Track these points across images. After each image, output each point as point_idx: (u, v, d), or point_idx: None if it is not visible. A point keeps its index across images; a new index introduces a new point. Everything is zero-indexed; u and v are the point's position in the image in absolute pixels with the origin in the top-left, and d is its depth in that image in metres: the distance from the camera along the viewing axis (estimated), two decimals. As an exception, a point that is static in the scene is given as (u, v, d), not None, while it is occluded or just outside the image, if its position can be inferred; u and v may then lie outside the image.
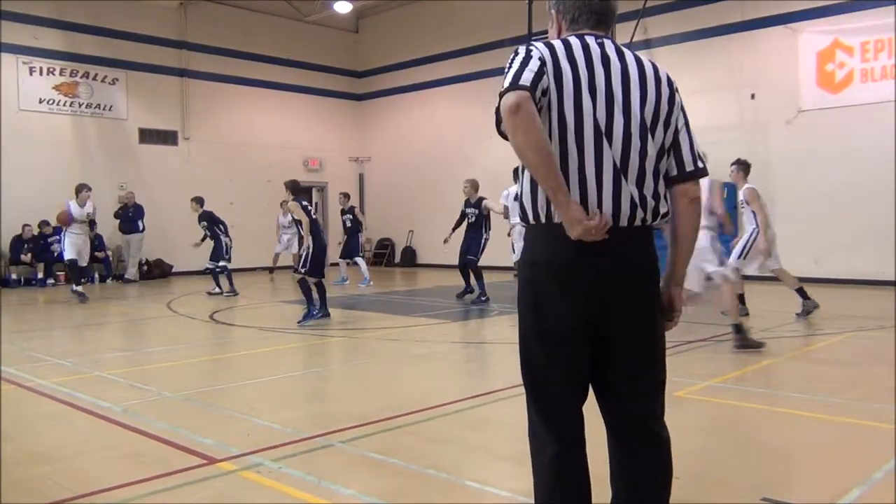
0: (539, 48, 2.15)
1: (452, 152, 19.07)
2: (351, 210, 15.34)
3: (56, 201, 15.69)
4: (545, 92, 2.09)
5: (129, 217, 16.65)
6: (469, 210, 11.79)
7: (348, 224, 15.24)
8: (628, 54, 2.23)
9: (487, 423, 4.88)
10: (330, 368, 6.99)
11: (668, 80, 2.27)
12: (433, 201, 19.25)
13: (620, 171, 2.13)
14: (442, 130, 19.81)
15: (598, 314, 2.16)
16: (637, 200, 2.15)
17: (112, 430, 4.68)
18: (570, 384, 2.26)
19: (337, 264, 15.92)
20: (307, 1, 19.98)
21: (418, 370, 6.82)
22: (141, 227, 16.73)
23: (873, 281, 12.63)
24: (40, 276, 15.72)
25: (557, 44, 2.18)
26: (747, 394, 5.26)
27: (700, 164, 2.30)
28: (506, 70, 2.12)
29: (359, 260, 15.22)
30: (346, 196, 15.77)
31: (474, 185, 11.92)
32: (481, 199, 11.82)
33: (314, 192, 22.16)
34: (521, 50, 2.15)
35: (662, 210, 2.23)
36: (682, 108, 2.29)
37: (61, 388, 5.80)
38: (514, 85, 2.04)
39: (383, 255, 21.36)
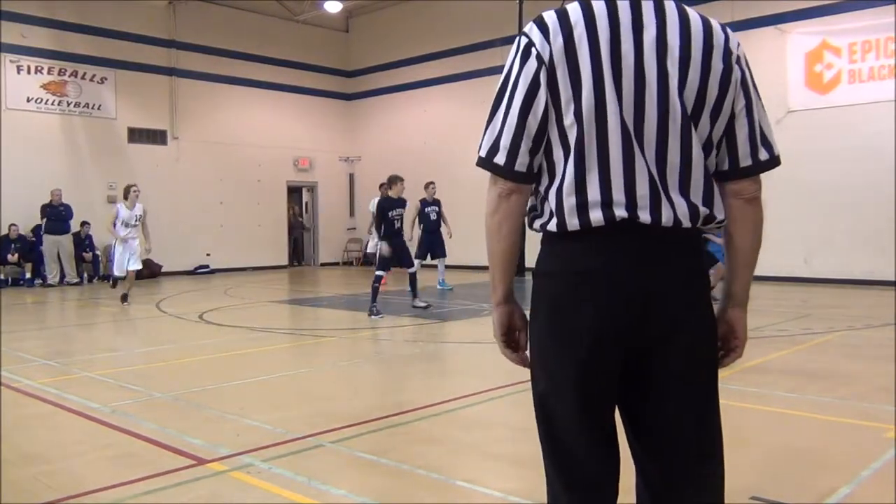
0: (542, 36, 1.69)
1: (443, 152, 19.07)
2: (437, 203, 13.27)
3: (44, 201, 15.69)
4: (553, 99, 1.69)
5: (61, 216, 15.73)
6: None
7: (433, 217, 13.12)
8: (671, 14, 1.70)
9: (478, 423, 4.88)
10: (321, 369, 6.98)
11: (726, 48, 1.72)
12: (424, 201, 19.25)
13: (658, 179, 1.68)
14: (432, 130, 19.81)
15: (630, 333, 1.69)
16: (683, 214, 1.69)
17: (101, 430, 4.65)
18: (588, 426, 1.77)
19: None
20: (297, 0, 19.95)
21: (409, 370, 6.82)
22: (70, 228, 15.88)
23: (863, 280, 12.72)
24: (28, 276, 15.63)
25: (575, 13, 1.69)
26: (736, 393, 5.27)
27: (763, 156, 1.78)
28: (501, 78, 1.75)
29: (442, 261, 13.62)
30: (433, 185, 13.58)
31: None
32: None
33: (304, 192, 22.15)
34: (521, 46, 1.73)
35: (719, 216, 1.77)
36: (745, 85, 1.75)
37: (50, 388, 5.77)
38: (509, 169, 1.71)
39: (374, 254, 21.32)
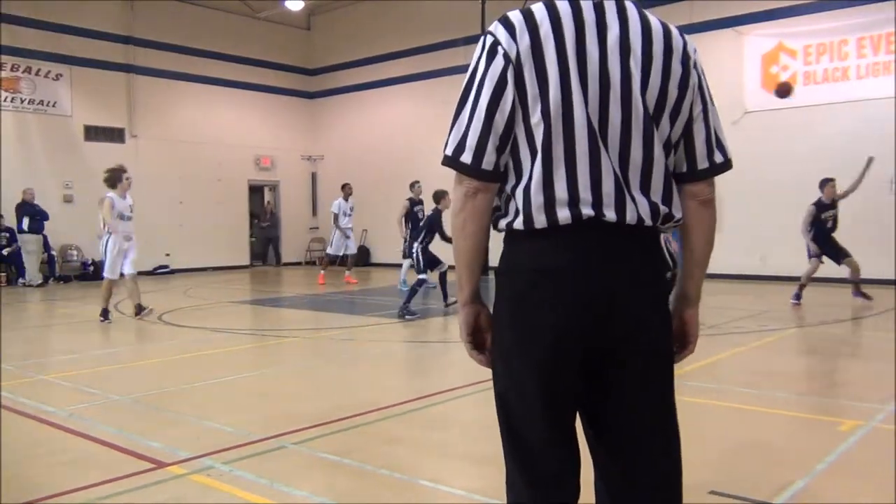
0: (508, 35, 1.70)
1: (406, 151, 19.05)
2: (422, 202, 13.14)
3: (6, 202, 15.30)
4: (521, 98, 1.70)
5: (42, 214, 15.53)
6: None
7: (420, 216, 12.99)
8: (633, 17, 1.74)
9: (441, 423, 4.89)
10: (283, 369, 6.93)
11: (685, 52, 1.77)
12: (386, 200, 19.20)
13: (622, 178, 1.70)
14: (395, 129, 19.77)
15: (594, 332, 1.70)
16: (645, 212, 1.72)
17: (57, 435, 4.56)
18: (550, 424, 1.78)
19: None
20: (258, -2, 19.76)
21: (372, 370, 6.80)
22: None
23: (816, 278, 12.98)
24: (-20, 277, 15.24)
25: (540, 13, 1.71)
26: (693, 389, 5.36)
27: (718, 159, 1.83)
28: (467, 76, 1.75)
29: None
30: (419, 184, 13.36)
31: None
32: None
33: (266, 191, 21.95)
34: (487, 45, 1.73)
35: (677, 215, 1.81)
36: (702, 89, 1.80)
37: (4, 393, 5.62)
38: (475, 168, 1.71)
39: (337, 256, 21.20)
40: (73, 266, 16.91)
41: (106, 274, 9.41)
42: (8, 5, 15.98)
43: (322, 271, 15.30)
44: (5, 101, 16.12)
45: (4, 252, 15.47)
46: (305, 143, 21.90)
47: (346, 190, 14.80)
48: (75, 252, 16.92)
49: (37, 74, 16.60)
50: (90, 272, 16.81)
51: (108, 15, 17.77)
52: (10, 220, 15.62)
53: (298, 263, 21.60)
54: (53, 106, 16.90)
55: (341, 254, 14.95)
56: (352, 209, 14.78)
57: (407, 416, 4.95)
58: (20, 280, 15.50)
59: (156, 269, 18.14)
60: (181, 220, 18.62)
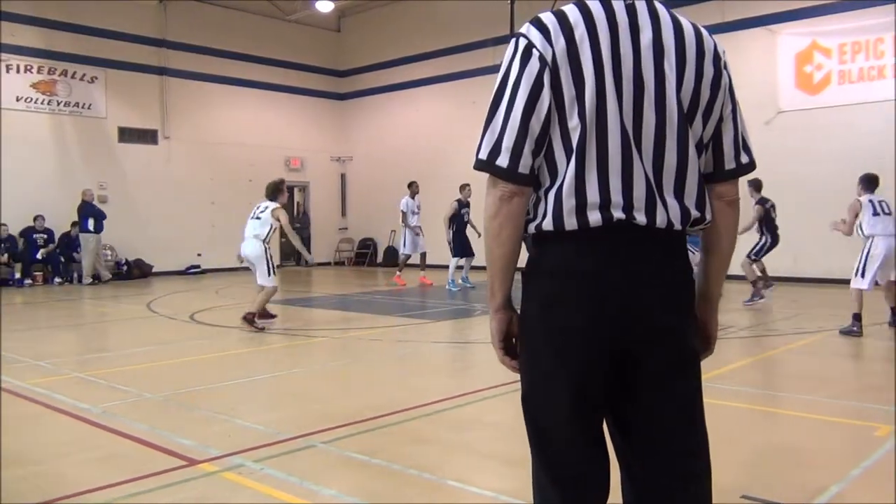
0: (542, 37, 1.68)
1: (434, 152, 19.06)
2: (468, 204, 13.65)
3: (33, 201, 15.60)
4: (557, 101, 1.68)
5: (101, 214, 15.94)
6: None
7: (466, 219, 13.62)
8: (664, 18, 1.74)
9: (470, 423, 4.88)
10: (312, 369, 6.97)
11: (715, 53, 1.77)
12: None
13: (654, 181, 1.70)
14: (424, 130, 19.80)
15: (616, 333, 1.70)
16: (675, 216, 1.72)
17: (91, 431, 4.63)
18: (577, 424, 1.78)
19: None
20: (288, 0, 19.90)
21: (401, 370, 6.82)
22: None
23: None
24: (17, 276, 15.52)
25: (574, 14, 1.70)
26: (725, 392, 5.30)
27: (744, 160, 1.84)
28: (499, 78, 1.73)
29: (467, 260, 13.93)
30: (469, 187, 13.64)
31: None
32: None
33: (296, 192, 22.12)
34: (520, 47, 1.71)
35: (708, 217, 1.81)
36: (730, 91, 1.81)
37: (39, 389, 5.73)
38: (511, 171, 1.69)
39: (365, 254, 21.34)
40: (106, 265, 17.16)
41: (268, 283, 9.11)
42: (45, 9, 16.28)
43: (398, 273, 14.97)
44: (41, 103, 16.43)
45: (40, 255, 15.75)
46: (335, 144, 22.03)
47: (413, 188, 14.43)
48: (109, 252, 17.17)
49: (73, 77, 16.89)
50: (124, 272, 17.08)
51: (142, 18, 18.04)
52: (51, 222, 15.92)
53: (328, 263, 21.73)
54: (88, 108, 17.19)
55: (416, 252, 14.60)
56: (419, 207, 14.48)
57: (435, 416, 4.95)
58: (55, 279, 15.81)
59: (188, 268, 18.37)
60: (213, 221, 18.82)
